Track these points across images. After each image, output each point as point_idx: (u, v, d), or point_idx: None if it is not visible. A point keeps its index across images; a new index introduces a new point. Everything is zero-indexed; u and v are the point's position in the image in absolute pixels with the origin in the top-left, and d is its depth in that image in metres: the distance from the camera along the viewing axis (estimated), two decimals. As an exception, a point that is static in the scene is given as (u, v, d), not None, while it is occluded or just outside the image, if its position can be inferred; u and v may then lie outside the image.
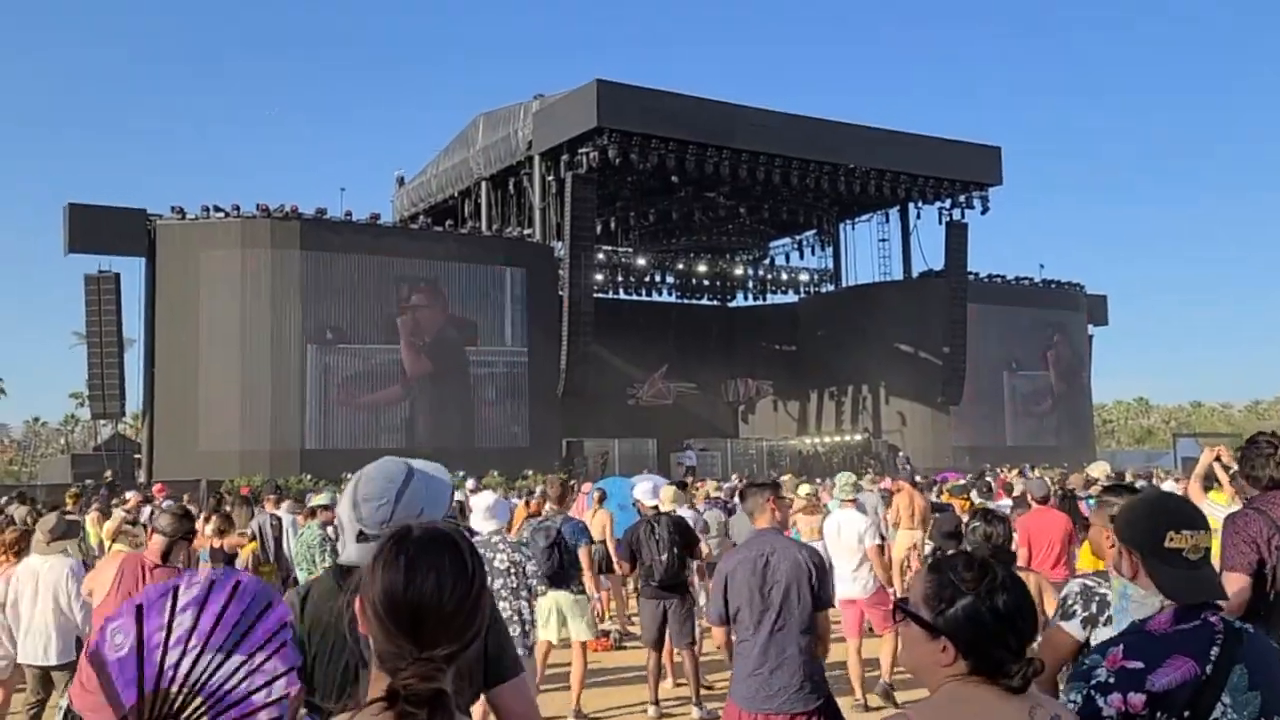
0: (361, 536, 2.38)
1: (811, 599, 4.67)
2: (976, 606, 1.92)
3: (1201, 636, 2.13)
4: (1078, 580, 3.37)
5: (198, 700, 1.68)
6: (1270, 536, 3.94)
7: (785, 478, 13.66)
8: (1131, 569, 2.28)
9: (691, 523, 9.47)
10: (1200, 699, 2.07)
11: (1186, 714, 2.06)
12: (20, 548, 7.64)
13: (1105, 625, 3.05)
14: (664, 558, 8.07)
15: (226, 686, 1.69)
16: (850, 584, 8.43)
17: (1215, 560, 3.66)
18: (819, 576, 4.73)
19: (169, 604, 1.70)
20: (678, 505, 9.24)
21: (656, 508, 8.58)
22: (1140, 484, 12.78)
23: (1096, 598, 3.15)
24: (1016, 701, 1.89)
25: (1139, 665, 2.09)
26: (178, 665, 1.65)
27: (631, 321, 45.61)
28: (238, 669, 1.71)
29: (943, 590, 1.96)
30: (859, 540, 8.48)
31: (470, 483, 19.67)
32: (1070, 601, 3.24)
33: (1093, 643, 2.98)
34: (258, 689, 1.71)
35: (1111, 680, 2.10)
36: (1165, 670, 2.08)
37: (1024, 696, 1.91)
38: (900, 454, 40.76)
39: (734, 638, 4.82)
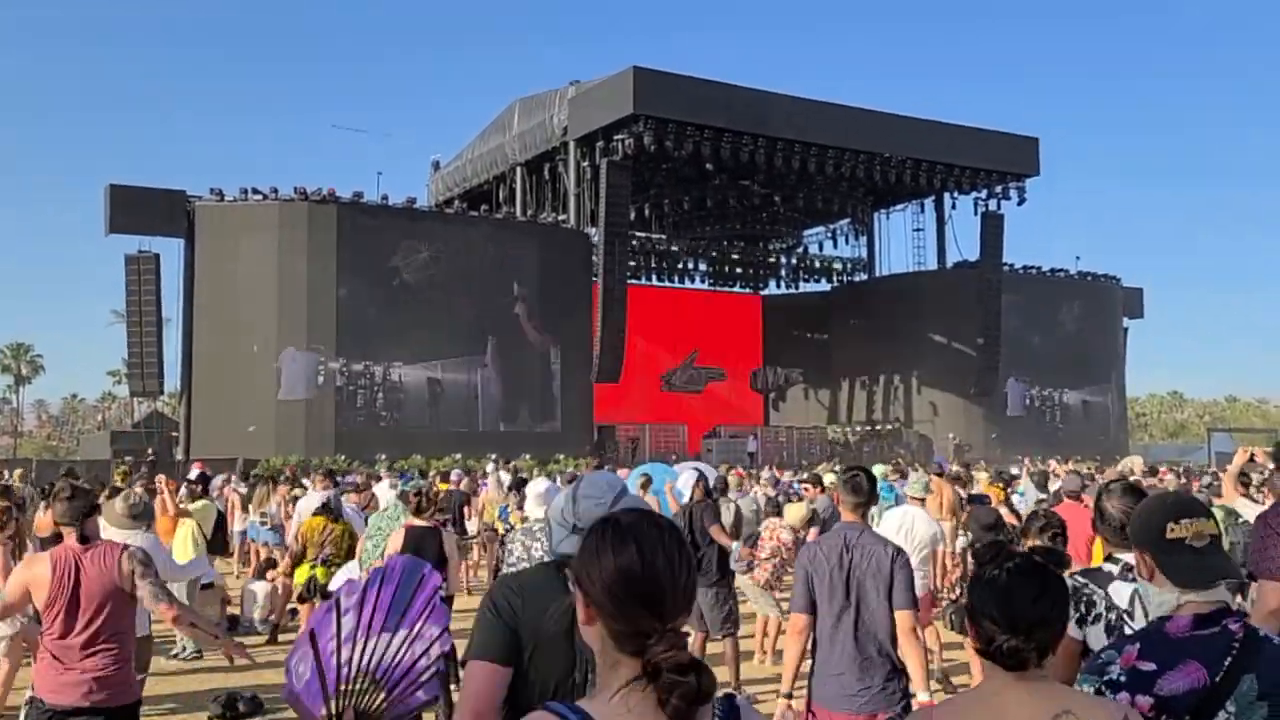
0: (575, 530, 2.62)
1: (889, 598, 4.47)
2: (976, 581, 2.06)
3: (1218, 644, 2.15)
4: (1066, 579, 3.40)
5: (370, 681, 1.89)
6: None
7: (877, 467, 13.56)
8: (1147, 569, 2.33)
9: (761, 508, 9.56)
10: (1205, 706, 2.10)
11: (1188, 719, 2.10)
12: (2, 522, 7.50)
13: (1094, 623, 3.09)
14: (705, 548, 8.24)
15: (395, 660, 1.91)
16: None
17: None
18: (901, 576, 4.51)
19: (334, 617, 1.90)
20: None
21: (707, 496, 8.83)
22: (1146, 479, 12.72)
23: (1084, 597, 3.16)
24: (1045, 702, 1.92)
25: (1151, 667, 2.12)
26: (350, 660, 1.84)
27: (664, 308, 45.68)
28: (403, 642, 1.93)
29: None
30: (931, 541, 8.42)
31: (489, 465, 19.73)
32: None
33: (1087, 641, 3.04)
34: (420, 655, 1.94)
35: (1122, 679, 2.13)
36: (1175, 676, 2.11)
37: (1055, 698, 1.93)
38: (952, 436, 40.35)
39: (814, 632, 4.62)
